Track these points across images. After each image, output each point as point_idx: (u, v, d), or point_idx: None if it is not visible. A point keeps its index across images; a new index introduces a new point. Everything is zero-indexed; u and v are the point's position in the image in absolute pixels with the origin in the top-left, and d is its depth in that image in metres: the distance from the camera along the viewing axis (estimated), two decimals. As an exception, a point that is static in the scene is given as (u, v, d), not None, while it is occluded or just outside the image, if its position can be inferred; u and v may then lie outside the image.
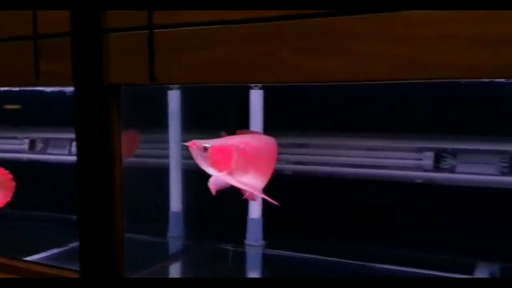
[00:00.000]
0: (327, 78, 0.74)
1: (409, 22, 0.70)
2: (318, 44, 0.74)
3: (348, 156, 1.55)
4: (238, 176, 0.81)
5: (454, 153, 1.42)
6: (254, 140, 0.86)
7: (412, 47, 0.69)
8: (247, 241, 1.51)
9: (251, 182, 0.86)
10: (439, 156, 1.43)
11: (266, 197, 0.90)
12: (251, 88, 1.47)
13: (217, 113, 1.59)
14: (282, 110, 1.57)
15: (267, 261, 1.47)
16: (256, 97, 1.47)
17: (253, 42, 0.78)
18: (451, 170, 1.42)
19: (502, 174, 1.36)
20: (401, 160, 1.47)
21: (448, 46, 0.68)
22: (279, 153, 1.72)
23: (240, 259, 1.51)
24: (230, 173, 0.80)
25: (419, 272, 1.31)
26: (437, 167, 1.43)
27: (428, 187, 1.43)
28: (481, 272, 1.24)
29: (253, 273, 1.47)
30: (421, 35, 0.69)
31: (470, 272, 1.24)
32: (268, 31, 0.77)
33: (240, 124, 1.53)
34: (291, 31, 0.76)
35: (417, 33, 0.69)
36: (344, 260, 1.40)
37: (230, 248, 1.52)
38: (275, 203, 0.88)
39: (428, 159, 1.43)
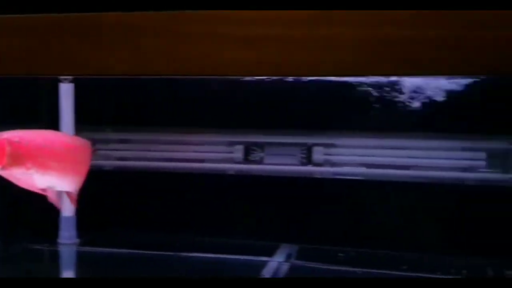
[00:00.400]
0: (112, 72, 0.76)
1: (191, 20, 0.76)
2: (102, 38, 0.76)
3: (167, 151, 1.59)
4: (17, 172, 0.78)
5: (262, 146, 1.54)
6: (38, 136, 0.84)
7: (194, 44, 0.75)
8: (60, 240, 1.47)
9: (45, 181, 0.83)
10: (248, 149, 1.53)
11: (52, 200, 0.88)
12: (60, 81, 1.43)
13: (27, 108, 1.51)
14: (100, 105, 1.56)
15: (81, 259, 1.45)
16: (66, 91, 1.43)
17: (36, 34, 0.77)
18: (260, 161, 1.53)
19: (302, 164, 1.51)
20: (214, 153, 1.55)
21: (224, 44, 0.74)
22: (98, 149, 1.69)
23: (54, 258, 1.46)
24: (5, 168, 0.77)
25: (232, 258, 1.39)
26: (246, 159, 1.53)
27: (239, 178, 1.54)
28: (282, 253, 1.37)
29: (67, 272, 1.43)
30: (201, 33, 0.75)
31: (272, 254, 1.36)
32: (52, 23, 0.77)
33: (51, 119, 1.48)
34: (76, 23, 0.77)
35: (198, 31, 0.75)
36: (161, 253, 1.43)
37: (43, 247, 1.47)
38: (59, 206, 0.87)
39: (238, 152, 1.53)
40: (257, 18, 0.70)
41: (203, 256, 1.36)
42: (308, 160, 1.51)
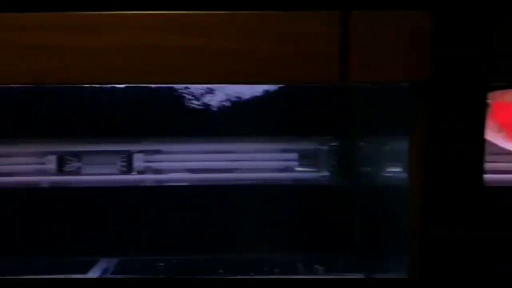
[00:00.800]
0: None
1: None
2: None
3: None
4: None
5: (78, 156, 1.44)
6: None
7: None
8: None
9: None
10: (63, 160, 1.43)
11: None
12: None
13: None
14: None
15: None
16: None
17: None
18: (76, 172, 1.44)
19: (122, 173, 1.45)
20: (24, 165, 1.42)
21: (14, 53, 0.67)
22: None
23: None
24: None
25: (42, 278, 1.27)
26: (61, 170, 1.43)
27: (54, 190, 1.43)
28: (98, 269, 1.29)
29: None
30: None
31: (87, 270, 1.28)
32: None
33: None
34: None
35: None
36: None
37: None
38: None
39: (51, 163, 1.42)
40: (55, 25, 0.64)
41: (7, 278, 1.23)
42: (129, 168, 1.45)
